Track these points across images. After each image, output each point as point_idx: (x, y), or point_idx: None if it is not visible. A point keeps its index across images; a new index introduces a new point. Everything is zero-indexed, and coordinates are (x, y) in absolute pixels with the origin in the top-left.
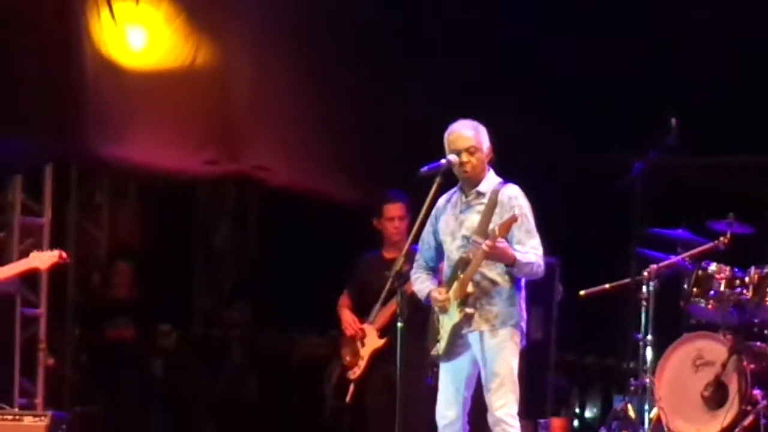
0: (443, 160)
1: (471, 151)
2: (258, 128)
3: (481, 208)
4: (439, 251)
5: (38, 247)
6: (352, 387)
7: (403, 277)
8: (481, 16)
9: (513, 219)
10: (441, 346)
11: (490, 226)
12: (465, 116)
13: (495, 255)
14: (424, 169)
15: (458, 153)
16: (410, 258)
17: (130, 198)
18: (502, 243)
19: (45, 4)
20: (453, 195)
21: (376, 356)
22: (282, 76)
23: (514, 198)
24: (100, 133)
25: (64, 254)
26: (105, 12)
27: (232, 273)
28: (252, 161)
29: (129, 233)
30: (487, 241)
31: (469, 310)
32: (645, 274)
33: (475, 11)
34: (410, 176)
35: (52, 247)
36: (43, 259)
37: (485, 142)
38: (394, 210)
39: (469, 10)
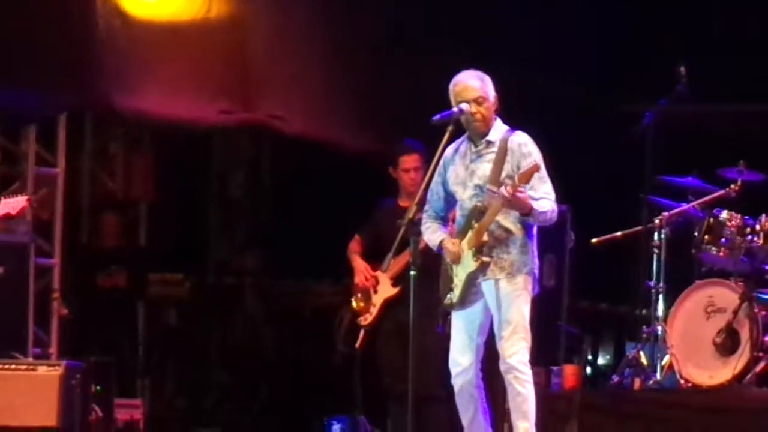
0: (455, 108)
1: (479, 101)
2: (273, 78)
3: (492, 156)
4: (449, 201)
5: (52, 197)
6: (362, 333)
7: (417, 226)
8: None
9: (535, 168)
10: (455, 295)
11: (503, 174)
12: (479, 66)
13: (514, 203)
14: (436, 117)
15: (468, 102)
16: (423, 206)
17: (144, 148)
18: (521, 192)
19: None
20: (461, 145)
21: (389, 304)
22: (296, 26)
23: (524, 145)
24: (113, 84)
25: (31, 198)
26: None
27: (246, 222)
28: (266, 110)
29: (143, 183)
30: (508, 188)
31: (485, 258)
32: (656, 221)
33: None
34: (424, 124)
35: (66, 197)
36: (14, 204)
37: (491, 92)
38: (410, 161)
39: None
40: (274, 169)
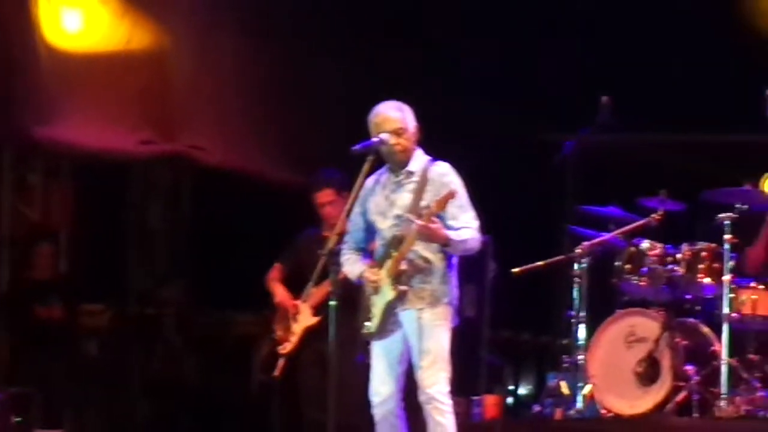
0: (376, 138)
1: (399, 132)
2: (193, 108)
3: (412, 186)
4: (369, 231)
5: None
6: (281, 361)
7: (336, 256)
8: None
9: (450, 195)
10: (373, 324)
11: (422, 203)
12: (401, 94)
13: (427, 235)
14: (357, 147)
15: (388, 134)
16: (343, 237)
17: (64, 178)
18: (434, 223)
19: None
20: (381, 176)
21: (309, 333)
22: (217, 56)
23: (445, 175)
24: (33, 115)
25: None
26: None
27: (166, 252)
28: (187, 141)
29: (63, 213)
30: (419, 221)
31: (402, 287)
32: (577, 251)
33: None
34: (345, 154)
35: None
36: None
37: (411, 122)
38: (322, 197)
39: None
40: (194, 199)
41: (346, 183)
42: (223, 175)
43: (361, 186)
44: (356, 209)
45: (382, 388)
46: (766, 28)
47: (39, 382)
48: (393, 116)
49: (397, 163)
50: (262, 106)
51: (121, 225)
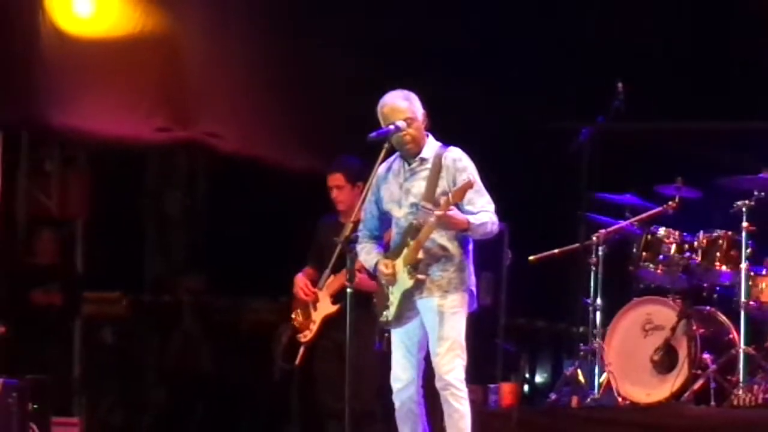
0: (391, 126)
1: (408, 122)
2: (208, 95)
3: (426, 173)
4: (383, 220)
5: None
6: (302, 350)
7: (352, 244)
8: None
9: (468, 185)
10: (391, 312)
11: (438, 190)
12: (415, 81)
13: (447, 223)
14: (373, 135)
15: (395, 124)
16: (359, 225)
17: (80, 166)
18: (452, 210)
19: None
20: (394, 163)
21: (328, 322)
22: (232, 43)
23: (458, 160)
24: (49, 102)
25: None
26: None
27: (182, 240)
28: (203, 128)
29: (79, 201)
30: (438, 211)
31: (420, 276)
32: (594, 239)
33: None
34: (361, 142)
35: (2, 216)
36: None
37: (419, 110)
38: (332, 180)
39: None
40: (211, 186)
41: (361, 173)
42: (240, 162)
43: (375, 174)
44: (370, 197)
45: (402, 374)
46: None
47: (40, 370)
48: (401, 106)
49: (408, 152)
50: (278, 94)
51: (138, 213)
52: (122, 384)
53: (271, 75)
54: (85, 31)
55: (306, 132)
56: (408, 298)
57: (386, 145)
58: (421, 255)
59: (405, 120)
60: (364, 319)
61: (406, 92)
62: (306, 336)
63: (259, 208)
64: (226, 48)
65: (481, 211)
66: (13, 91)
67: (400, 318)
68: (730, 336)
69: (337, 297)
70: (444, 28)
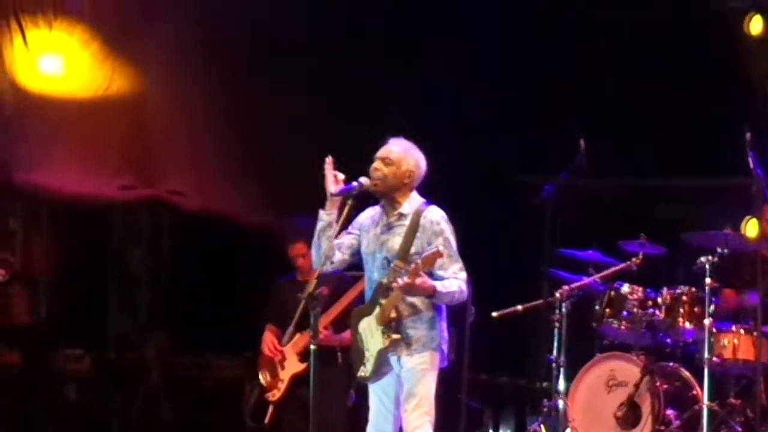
0: (354, 183)
1: (386, 162)
2: (172, 154)
3: (403, 230)
4: (354, 256)
5: None
6: (271, 409)
7: (317, 300)
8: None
9: (437, 254)
10: (368, 368)
11: (412, 249)
12: (381, 135)
13: (412, 291)
14: (337, 191)
15: (374, 160)
16: (322, 281)
17: (44, 223)
18: (420, 277)
19: None
20: (376, 213)
21: (296, 380)
22: (197, 102)
23: (437, 223)
24: (13, 160)
25: None
26: (18, 40)
27: (146, 297)
28: (166, 186)
29: (43, 259)
30: (403, 279)
31: (395, 336)
32: (557, 295)
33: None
34: (325, 197)
35: None
36: None
37: (407, 163)
38: (294, 250)
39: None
40: (174, 244)
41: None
42: (203, 220)
43: (344, 227)
44: (354, 232)
45: (385, 427)
46: (744, 70)
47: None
48: (391, 147)
49: (377, 192)
50: (240, 151)
51: (102, 270)
52: None
53: (234, 133)
54: (51, 90)
55: (268, 189)
56: (383, 355)
57: (350, 202)
58: (394, 314)
59: (384, 158)
60: (332, 375)
61: (409, 144)
62: (274, 395)
63: (223, 264)
64: (190, 107)
65: (452, 278)
66: None
67: (377, 374)
68: (694, 392)
69: (305, 355)
70: (417, 81)
